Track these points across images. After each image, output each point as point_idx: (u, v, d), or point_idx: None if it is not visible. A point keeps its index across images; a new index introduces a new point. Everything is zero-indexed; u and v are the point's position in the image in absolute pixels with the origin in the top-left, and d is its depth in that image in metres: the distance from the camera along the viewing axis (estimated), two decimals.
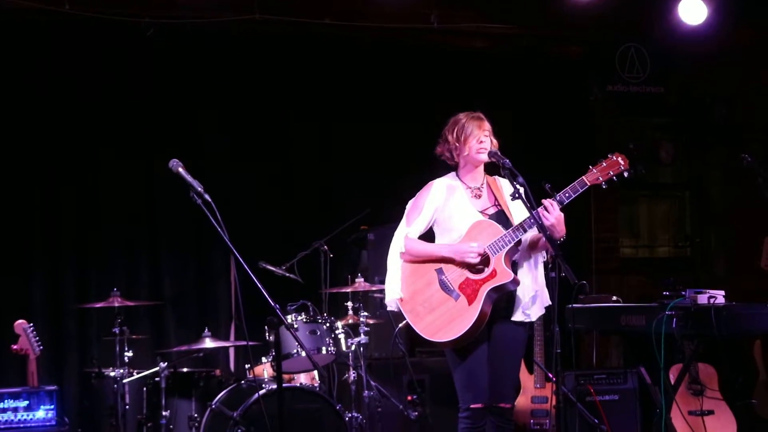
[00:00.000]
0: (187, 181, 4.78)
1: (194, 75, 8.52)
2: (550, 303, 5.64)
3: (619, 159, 5.46)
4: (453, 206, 5.66)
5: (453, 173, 5.77)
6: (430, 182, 5.76)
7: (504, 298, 5.56)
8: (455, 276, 5.56)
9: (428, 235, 5.77)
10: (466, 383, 5.58)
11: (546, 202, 5.37)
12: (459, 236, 5.61)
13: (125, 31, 8.22)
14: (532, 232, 5.49)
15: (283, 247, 8.05)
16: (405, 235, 5.68)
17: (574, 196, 5.42)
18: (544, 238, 5.35)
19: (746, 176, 6.78)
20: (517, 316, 5.59)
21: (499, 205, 5.64)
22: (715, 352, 7.41)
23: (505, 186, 5.71)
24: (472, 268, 5.54)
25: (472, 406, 5.54)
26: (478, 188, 5.70)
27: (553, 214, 5.35)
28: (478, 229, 5.55)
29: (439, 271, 5.59)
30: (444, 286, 5.56)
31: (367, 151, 8.95)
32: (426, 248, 5.67)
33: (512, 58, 9.48)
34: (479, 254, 5.49)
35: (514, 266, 5.59)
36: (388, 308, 5.75)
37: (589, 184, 5.46)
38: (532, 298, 5.60)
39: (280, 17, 8.42)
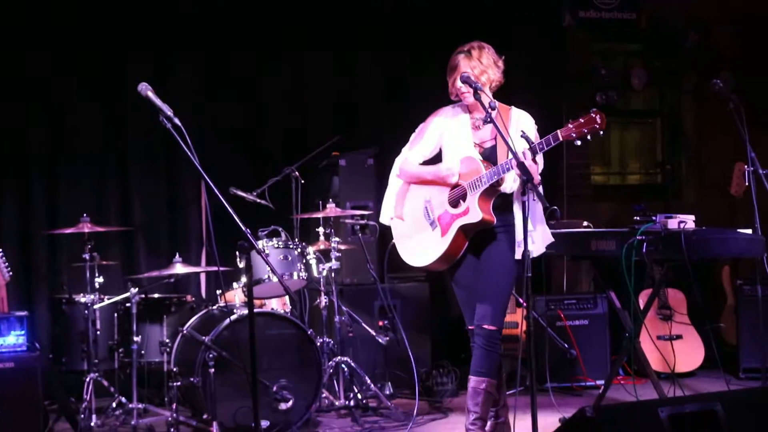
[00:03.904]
0: (157, 105, 4.70)
1: (167, 8, 8.36)
2: (553, 240, 5.71)
3: (597, 117, 5.24)
4: (453, 135, 5.67)
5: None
6: (440, 108, 5.78)
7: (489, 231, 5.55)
8: (437, 205, 5.65)
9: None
10: (460, 306, 5.75)
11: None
12: None
13: None
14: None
15: (254, 173, 8.02)
16: (404, 158, 5.80)
17: (546, 149, 5.35)
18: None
19: (717, 102, 6.78)
20: (516, 253, 5.52)
21: (496, 139, 5.52)
22: (684, 277, 7.46)
23: (516, 118, 5.60)
24: (452, 201, 5.58)
25: (468, 327, 5.68)
26: (482, 118, 5.53)
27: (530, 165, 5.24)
28: (465, 164, 5.56)
29: (426, 199, 5.69)
30: (426, 214, 5.69)
31: (339, 78, 8.90)
32: (413, 169, 5.76)
33: None
34: (456, 174, 5.52)
35: (505, 205, 5.55)
36: (383, 224, 5.93)
37: (561, 139, 5.32)
38: (530, 235, 5.40)
39: None
